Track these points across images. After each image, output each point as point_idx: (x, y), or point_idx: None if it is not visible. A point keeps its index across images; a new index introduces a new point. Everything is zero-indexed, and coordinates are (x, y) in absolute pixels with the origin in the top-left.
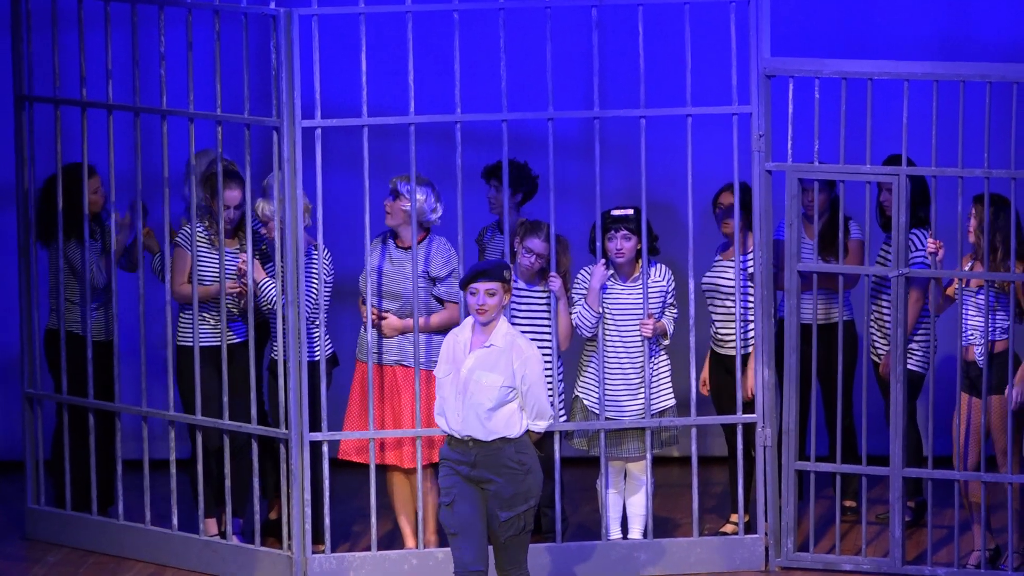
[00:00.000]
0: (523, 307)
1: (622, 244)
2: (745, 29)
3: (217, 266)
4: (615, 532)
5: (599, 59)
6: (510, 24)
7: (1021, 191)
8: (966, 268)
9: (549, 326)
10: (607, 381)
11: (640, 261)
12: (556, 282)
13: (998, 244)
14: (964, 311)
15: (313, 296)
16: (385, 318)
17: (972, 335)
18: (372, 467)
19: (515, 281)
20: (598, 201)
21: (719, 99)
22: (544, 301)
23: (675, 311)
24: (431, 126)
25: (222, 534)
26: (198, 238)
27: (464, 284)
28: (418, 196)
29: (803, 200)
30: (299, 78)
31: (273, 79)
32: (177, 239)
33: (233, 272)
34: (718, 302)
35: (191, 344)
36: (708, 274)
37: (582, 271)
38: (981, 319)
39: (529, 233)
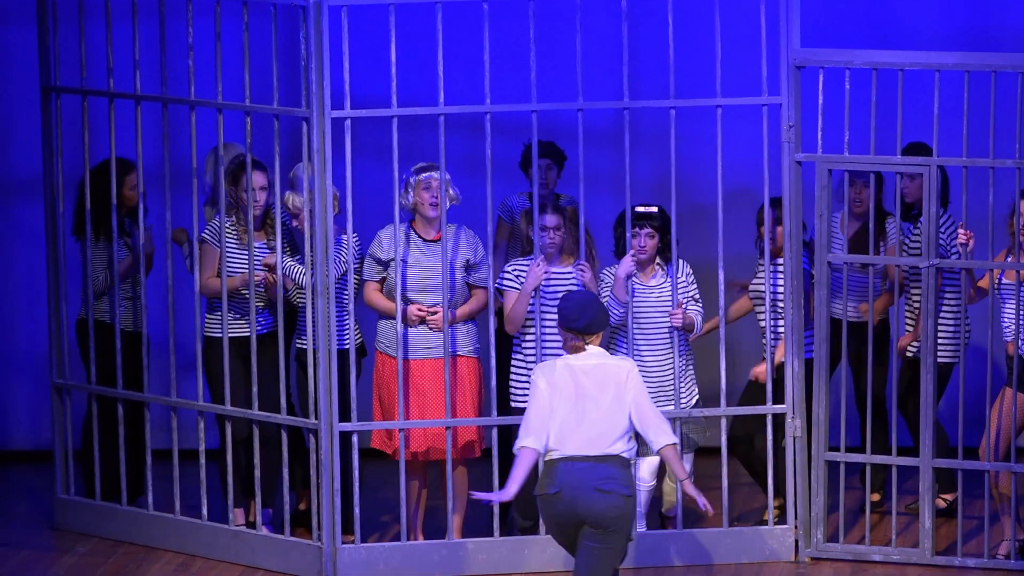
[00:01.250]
0: (550, 290)
1: (645, 242)
2: (775, 20)
3: (245, 260)
4: (641, 525)
5: (629, 50)
6: (540, 14)
7: None
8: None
9: None
10: None
11: (656, 261)
12: (587, 274)
13: None
14: (1003, 305)
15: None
16: (435, 312)
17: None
18: (402, 458)
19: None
20: (627, 192)
21: (749, 90)
22: (571, 283)
23: (699, 306)
24: (461, 116)
25: (251, 524)
26: (226, 232)
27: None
28: (455, 191)
29: (851, 194)
30: (328, 69)
31: (302, 70)
32: (204, 234)
33: (260, 269)
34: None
35: (219, 335)
36: (755, 280)
37: (605, 270)
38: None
39: (540, 212)
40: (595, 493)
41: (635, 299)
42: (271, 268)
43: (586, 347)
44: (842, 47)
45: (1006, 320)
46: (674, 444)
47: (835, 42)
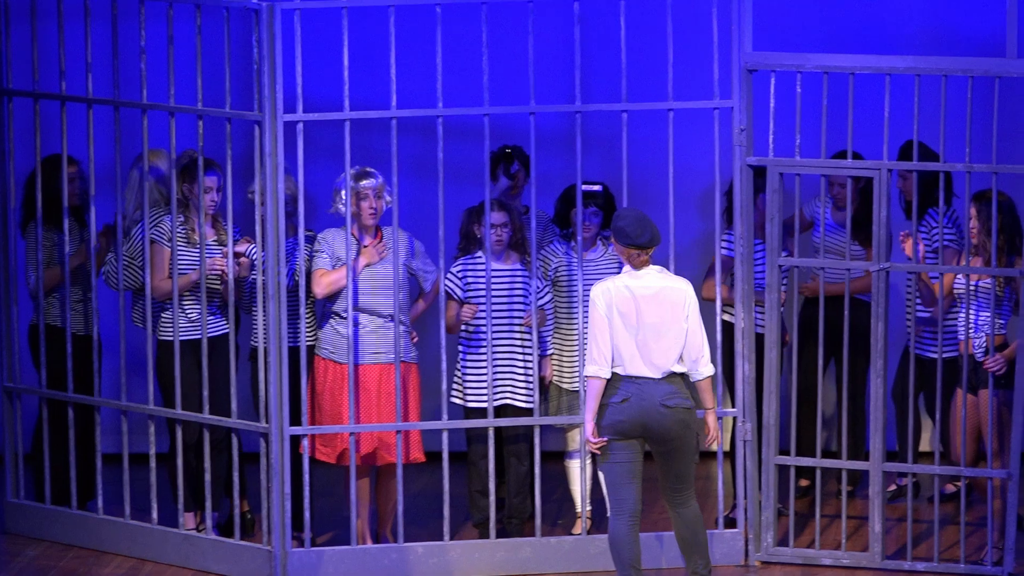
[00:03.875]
0: (502, 286)
1: (590, 220)
2: (727, 23)
3: (195, 259)
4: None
5: (581, 53)
6: (492, 18)
7: (1002, 185)
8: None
9: (527, 304)
10: (573, 353)
11: (598, 236)
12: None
13: (987, 240)
14: (961, 306)
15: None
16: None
17: (969, 330)
18: (352, 461)
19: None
20: (579, 195)
21: (701, 93)
22: (520, 278)
23: None
24: (413, 120)
25: (199, 528)
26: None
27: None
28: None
29: (832, 192)
30: (281, 72)
31: (255, 73)
32: (153, 234)
33: (216, 273)
34: None
35: (172, 338)
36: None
37: (551, 252)
38: (978, 314)
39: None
40: (662, 409)
41: (566, 271)
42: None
43: (649, 262)
44: (794, 51)
45: (960, 321)
46: (712, 375)
47: (787, 46)
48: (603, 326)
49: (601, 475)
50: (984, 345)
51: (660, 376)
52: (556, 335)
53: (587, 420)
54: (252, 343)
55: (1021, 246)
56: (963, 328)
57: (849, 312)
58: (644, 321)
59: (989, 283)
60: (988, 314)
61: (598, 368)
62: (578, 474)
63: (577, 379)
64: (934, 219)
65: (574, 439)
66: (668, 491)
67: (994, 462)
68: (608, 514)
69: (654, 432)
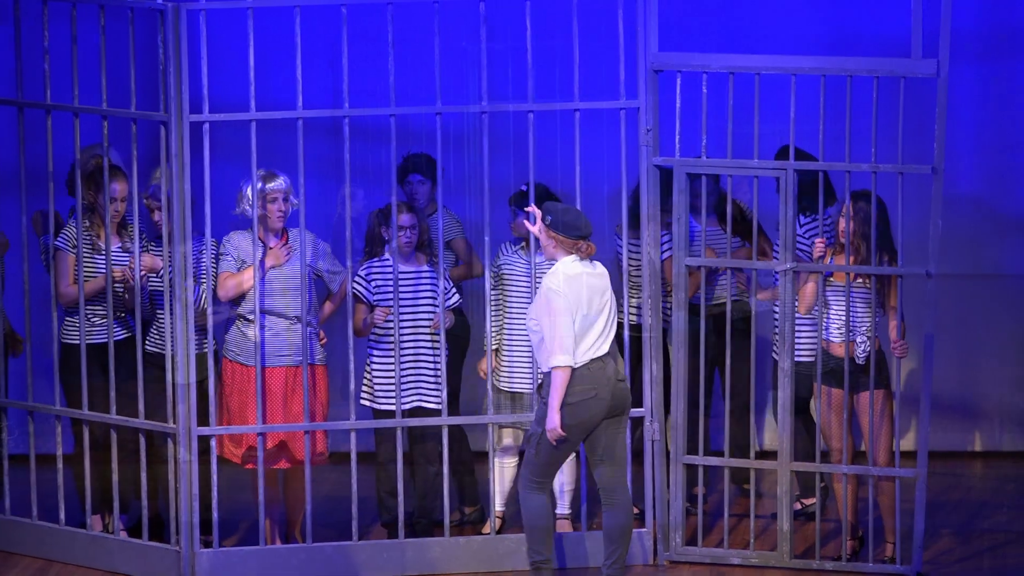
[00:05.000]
0: (410, 288)
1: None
2: (633, 24)
3: (102, 265)
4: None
5: (488, 54)
6: (399, 18)
7: (908, 185)
8: (828, 262)
9: (435, 306)
10: (506, 354)
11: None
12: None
13: (859, 240)
14: (853, 306)
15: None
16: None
17: (856, 329)
18: (260, 461)
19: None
20: (487, 195)
21: (608, 94)
22: (427, 279)
23: None
24: (320, 120)
25: (107, 529)
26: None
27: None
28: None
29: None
30: (187, 73)
31: (161, 74)
32: (57, 242)
33: (120, 282)
34: None
35: (77, 342)
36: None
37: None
38: (863, 315)
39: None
40: (620, 384)
41: (507, 271)
42: (132, 273)
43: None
44: (702, 52)
45: (852, 320)
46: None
47: (694, 47)
48: (569, 316)
49: (535, 452)
50: (869, 348)
51: (604, 354)
52: (500, 334)
53: (555, 410)
54: (152, 348)
55: (892, 246)
56: (856, 329)
57: (731, 314)
58: (593, 302)
59: (861, 283)
60: (871, 316)
61: (568, 358)
62: (498, 473)
63: (515, 379)
64: (802, 222)
65: (503, 437)
66: (611, 480)
67: (891, 461)
68: (527, 490)
69: (615, 409)
